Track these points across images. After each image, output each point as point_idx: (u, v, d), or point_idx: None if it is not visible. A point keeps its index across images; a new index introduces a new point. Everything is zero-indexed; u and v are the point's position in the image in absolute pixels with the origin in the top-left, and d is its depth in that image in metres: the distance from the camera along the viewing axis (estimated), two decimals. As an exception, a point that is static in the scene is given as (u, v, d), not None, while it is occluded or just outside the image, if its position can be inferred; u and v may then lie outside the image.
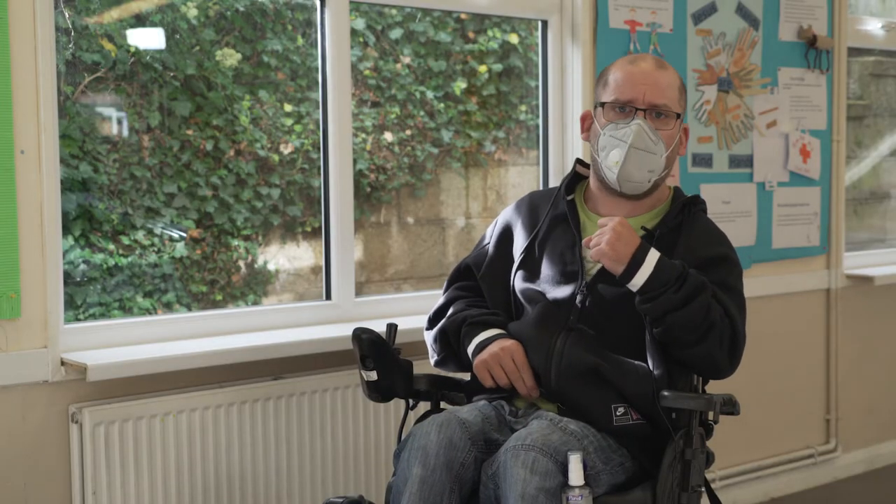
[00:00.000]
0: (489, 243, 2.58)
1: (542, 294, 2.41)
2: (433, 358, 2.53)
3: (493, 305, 2.49)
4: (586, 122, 2.49)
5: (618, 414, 2.28)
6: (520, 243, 2.50)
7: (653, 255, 2.23)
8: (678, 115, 2.40)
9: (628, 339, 2.32)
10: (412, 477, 2.17)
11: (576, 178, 2.54)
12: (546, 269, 2.43)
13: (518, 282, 2.46)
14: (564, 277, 2.40)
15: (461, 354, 2.45)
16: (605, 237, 2.24)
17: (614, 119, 2.38)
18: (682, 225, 2.40)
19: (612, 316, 2.33)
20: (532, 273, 2.45)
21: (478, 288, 2.54)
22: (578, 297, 2.36)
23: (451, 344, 2.46)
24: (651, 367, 2.28)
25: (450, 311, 2.50)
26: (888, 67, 4.79)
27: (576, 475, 2.08)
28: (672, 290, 2.20)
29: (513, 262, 2.50)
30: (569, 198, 2.49)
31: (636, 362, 2.30)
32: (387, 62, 3.75)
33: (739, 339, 2.30)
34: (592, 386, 2.29)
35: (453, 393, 2.53)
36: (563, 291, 2.38)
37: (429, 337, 2.53)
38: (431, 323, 2.54)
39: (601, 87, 2.44)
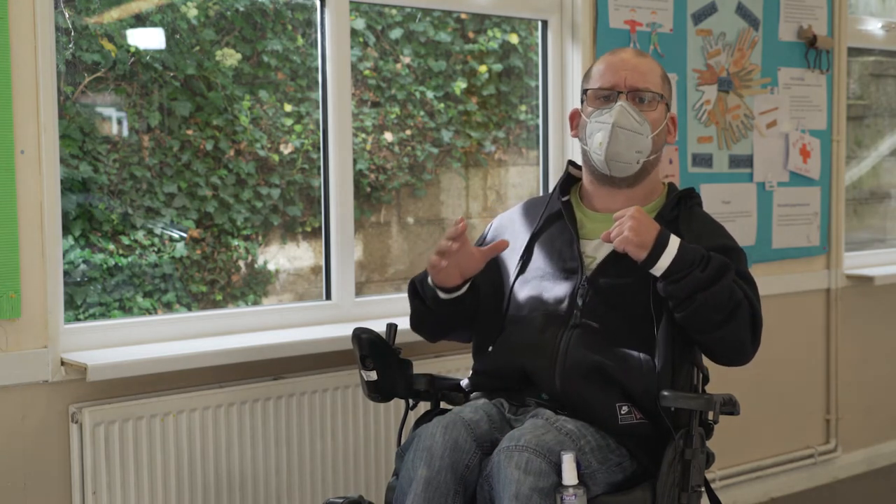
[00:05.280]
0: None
1: (540, 298, 2.41)
2: (411, 321, 2.57)
3: (483, 301, 2.49)
4: (575, 120, 2.53)
5: (622, 412, 2.28)
6: (517, 246, 2.50)
7: (675, 239, 2.25)
8: (662, 98, 2.44)
9: (630, 333, 2.32)
10: (417, 478, 2.16)
11: (570, 180, 2.56)
12: (545, 266, 2.44)
13: (518, 284, 2.46)
14: (564, 274, 2.40)
15: (426, 295, 2.47)
16: (626, 225, 2.25)
17: (599, 106, 2.43)
18: (678, 219, 2.42)
19: (614, 309, 2.33)
20: (531, 273, 2.46)
21: None
22: (580, 293, 2.36)
23: (418, 289, 2.50)
24: (655, 362, 2.28)
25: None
26: (888, 67, 4.79)
27: (569, 475, 2.07)
28: (698, 269, 2.22)
29: (504, 264, 2.51)
30: (564, 198, 2.51)
31: (640, 357, 2.30)
32: (387, 62, 3.75)
33: (759, 320, 2.32)
34: (597, 385, 2.29)
35: (453, 393, 2.52)
36: (563, 288, 2.39)
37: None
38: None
39: (586, 82, 2.51)
